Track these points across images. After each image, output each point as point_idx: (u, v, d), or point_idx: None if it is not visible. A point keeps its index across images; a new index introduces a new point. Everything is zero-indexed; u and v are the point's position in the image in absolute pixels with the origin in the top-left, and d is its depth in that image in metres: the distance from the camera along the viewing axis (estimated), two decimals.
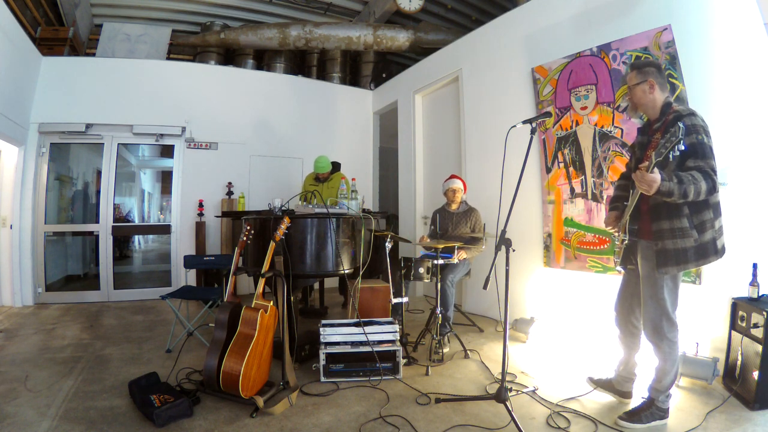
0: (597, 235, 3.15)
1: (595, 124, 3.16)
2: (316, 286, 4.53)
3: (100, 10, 6.24)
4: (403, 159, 5.53)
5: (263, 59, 6.75)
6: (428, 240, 3.51)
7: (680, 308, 1.98)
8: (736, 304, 2.31)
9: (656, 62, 2.20)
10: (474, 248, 3.47)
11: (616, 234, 2.12)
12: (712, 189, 1.77)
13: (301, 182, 4.92)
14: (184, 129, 5.13)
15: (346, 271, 2.93)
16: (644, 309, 2.00)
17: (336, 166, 4.35)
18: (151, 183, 6.12)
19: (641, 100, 2.02)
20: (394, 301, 2.94)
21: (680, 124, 1.64)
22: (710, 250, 1.85)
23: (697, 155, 1.80)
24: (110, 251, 4.89)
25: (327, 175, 4.18)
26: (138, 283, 5.59)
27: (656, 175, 1.70)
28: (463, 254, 3.35)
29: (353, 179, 3.84)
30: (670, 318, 1.94)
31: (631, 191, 1.99)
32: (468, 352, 2.98)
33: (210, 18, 6.55)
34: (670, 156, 1.67)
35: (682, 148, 1.67)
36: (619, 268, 2.14)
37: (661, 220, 1.91)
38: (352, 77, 7.13)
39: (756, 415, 2.04)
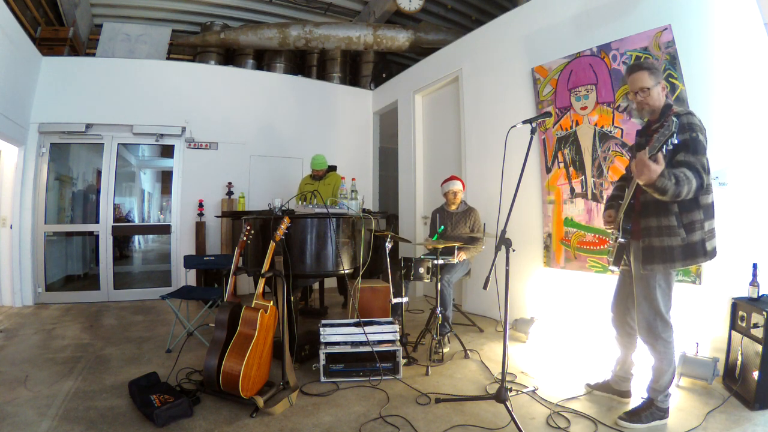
0: (597, 235, 3.15)
1: (595, 124, 3.16)
2: (316, 286, 4.53)
3: (100, 10, 6.24)
4: (403, 159, 5.53)
5: (263, 59, 6.75)
6: (429, 240, 3.51)
7: (680, 308, 1.98)
8: (736, 304, 2.31)
9: (656, 63, 2.19)
10: (473, 248, 3.47)
11: (611, 231, 2.12)
12: (700, 187, 1.76)
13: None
14: (184, 129, 5.13)
15: (346, 271, 2.92)
16: (638, 309, 2.00)
17: (331, 168, 4.38)
18: (151, 183, 6.12)
19: (656, 102, 1.95)
20: (394, 301, 2.93)
21: (673, 118, 1.64)
22: (698, 251, 1.84)
23: (688, 150, 1.79)
24: (110, 251, 4.89)
25: (322, 173, 4.20)
26: (138, 283, 5.59)
27: (657, 166, 1.66)
28: (462, 255, 3.35)
29: (353, 179, 3.84)
30: (663, 318, 1.94)
31: (627, 189, 1.99)
32: (468, 352, 2.98)
33: (210, 18, 6.55)
34: (664, 149, 1.67)
35: (675, 141, 1.67)
36: (612, 267, 2.11)
37: (649, 217, 1.91)
38: (352, 77, 7.13)
39: (756, 415, 2.04)
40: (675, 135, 1.63)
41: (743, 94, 2.50)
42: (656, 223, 1.88)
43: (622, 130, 3.00)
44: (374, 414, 2.12)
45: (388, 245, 2.88)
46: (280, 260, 2.56)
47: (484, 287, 2.02)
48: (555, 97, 3.45)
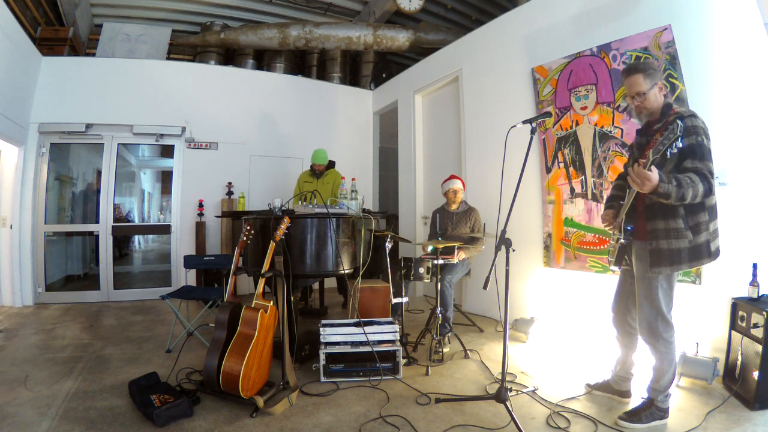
0: (597, 235, 3.15)
1: (595, 124, 3.16)
2: (316, 286, 4.53)
3: (100, 10, 6.24)
4: (403, 159, 5.53)
5: (263, 59, 6.75)
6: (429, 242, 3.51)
7: (680, 308, 1.98)
8: (736, 304, 2.31)
9: (655, 62, 2.18)
10: (473, 248, 3.47)
11: (612, 232, 2.12)
12: (708, 192, 1.77)
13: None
14: (184, 129, 5.13)
15: (346, 271, 2.92)
16: (639, 309, 2.01)
17: (330, 164, 4.37)
18: (151, 183, 6.12)
19: (654, 104, 1.95)
20: (394, 301, 2.93)
21: (679, 122, 1.64)
22: (704, 252, 1.85)
23: (695, 156, 1.79)
24: (110, 251, 4.89)
25: (323, 169, 4.21)
26: (138, 283, 5.59)
27: (653, 174, 1.68)
28: (462, 254, 3.35)
29: (353, 179, 3.84)
30: (665, 318, 1.94)
31: (628, 190, 1.99)
32: (468, 352, 2.98)
33: (210, 18, 6.55)
34: (668, 153, 1.67)
35: (680, 145, 1.67)
36: (613, 267, 2.12)
37: (656, 219, 1.90)
38: (352, 77, 7.13)
39: (756, 415, 2.04)
40: (680, 138, 1.63)
41: (743, 94, 2.50)
42: (663, 226, 1.88)
43: (622, 130, 3.00)
44: (374, 414, 2.12)
45: (388, 245, 2.88)
46: (280, 260, 2.56)
47: (484, 287, 2.02)
48: (555, 97, 3.45)
